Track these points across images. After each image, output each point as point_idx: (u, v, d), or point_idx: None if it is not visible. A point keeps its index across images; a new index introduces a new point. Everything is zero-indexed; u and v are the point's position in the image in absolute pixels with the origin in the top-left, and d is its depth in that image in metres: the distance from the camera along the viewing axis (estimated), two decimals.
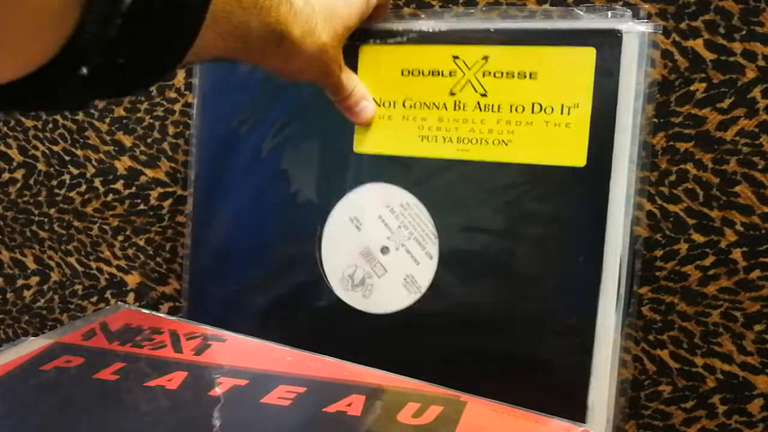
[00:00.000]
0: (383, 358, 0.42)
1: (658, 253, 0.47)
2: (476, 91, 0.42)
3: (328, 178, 0.46)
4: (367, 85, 0.44)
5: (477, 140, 0.42)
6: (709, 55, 0.44)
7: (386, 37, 0.43)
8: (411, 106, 0.43)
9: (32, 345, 0.39)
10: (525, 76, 0.41)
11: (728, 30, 0.44)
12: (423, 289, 0.44)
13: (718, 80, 0.44)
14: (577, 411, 0.40)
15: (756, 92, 0.44)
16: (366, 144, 0.45)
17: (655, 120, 0.45)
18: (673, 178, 0.46)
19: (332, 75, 0.40)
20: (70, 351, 0.39)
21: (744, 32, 0.44)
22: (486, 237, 0.42)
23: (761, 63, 0.43)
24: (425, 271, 0.44)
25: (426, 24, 0.43)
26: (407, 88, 0.43)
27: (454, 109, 0.42)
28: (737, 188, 0.45)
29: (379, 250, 0.45)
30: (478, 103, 0.42)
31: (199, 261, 0.51)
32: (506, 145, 0.41)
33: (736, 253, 0.45)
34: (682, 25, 0.44)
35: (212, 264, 0.50)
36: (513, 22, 0.42)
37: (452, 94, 0.42)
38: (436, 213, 0.44)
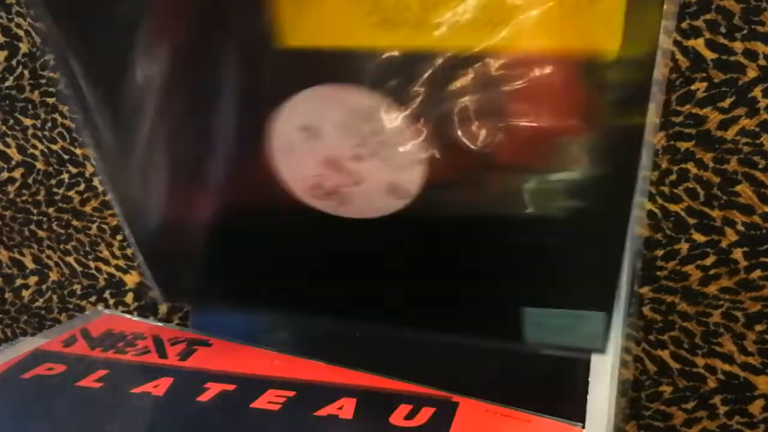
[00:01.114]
0: (364, 263, 0.38)
1: (659, 252, 0.47)
2: None
3: (253, 84, 0.34)
4: None
5: (459, 25, 0.29)
6: (710, 55, 0.44)
7: None
8: None
9: (10, 353, 0.39)
10: None
11: (729, 29, 0.44)
12: (412, 195, 0.36)
13: (719, 79, 0.44)
14: (576, 411, 0.40)
15: (757, 91, 0.44)
16: (298, 34, 0.32)
17: (656, 119, 0.45)
18: (673, 177, 0.46)
19: None
20: (52, 358, 0.38)
21: (745, 31, 0.43)
22: (485, 135, 0.32)
23: (762, 62, 0.43)
24: (412, 177, 0.35)
25: None
26: None
27: None
28: (738, 188, 0.45)
29: (350, 158, 0.35)
30: None
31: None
32: (506, 27, 0.29)
33: (737, 253, 0.45)
34: (683, 25, 0.44)
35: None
36: None
37: None
38: (416, 113, 0.33)
